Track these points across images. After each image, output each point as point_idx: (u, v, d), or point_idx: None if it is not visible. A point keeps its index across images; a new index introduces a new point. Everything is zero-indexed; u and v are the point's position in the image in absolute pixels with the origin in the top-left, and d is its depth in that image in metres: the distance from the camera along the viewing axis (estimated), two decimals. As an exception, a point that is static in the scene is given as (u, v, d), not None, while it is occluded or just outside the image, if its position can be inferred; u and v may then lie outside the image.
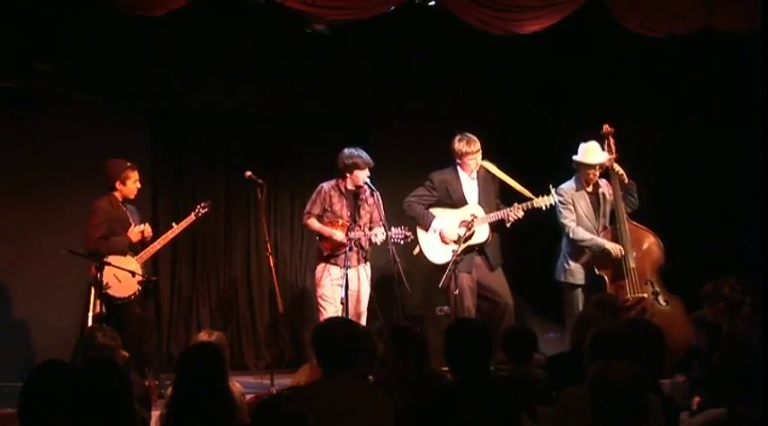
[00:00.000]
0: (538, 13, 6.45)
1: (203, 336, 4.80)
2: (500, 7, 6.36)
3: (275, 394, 4.21)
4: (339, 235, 6.72)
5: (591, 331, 4.10)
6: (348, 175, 6.74)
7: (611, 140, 6.83)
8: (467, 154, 6.81)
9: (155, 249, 6.70)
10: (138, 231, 6.59)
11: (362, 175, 6.70)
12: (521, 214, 6.67)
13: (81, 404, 3.06)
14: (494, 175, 6.95)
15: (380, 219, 6.70)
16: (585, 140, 6.85)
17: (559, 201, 6.78)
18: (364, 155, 6.70)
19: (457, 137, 6.86)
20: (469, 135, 6.84)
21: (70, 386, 3.11)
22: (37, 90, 7.13)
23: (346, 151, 6.73)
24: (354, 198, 6.83)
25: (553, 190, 6.74)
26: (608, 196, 6.91)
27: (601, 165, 6.84)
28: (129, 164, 6.56)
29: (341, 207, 6.82)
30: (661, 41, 6.75)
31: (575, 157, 6.86)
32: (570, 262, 6.87)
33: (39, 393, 3.17)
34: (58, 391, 3.13)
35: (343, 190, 6.82)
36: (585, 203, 6.90)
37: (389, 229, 6.57)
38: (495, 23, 6.42)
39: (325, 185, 6.89)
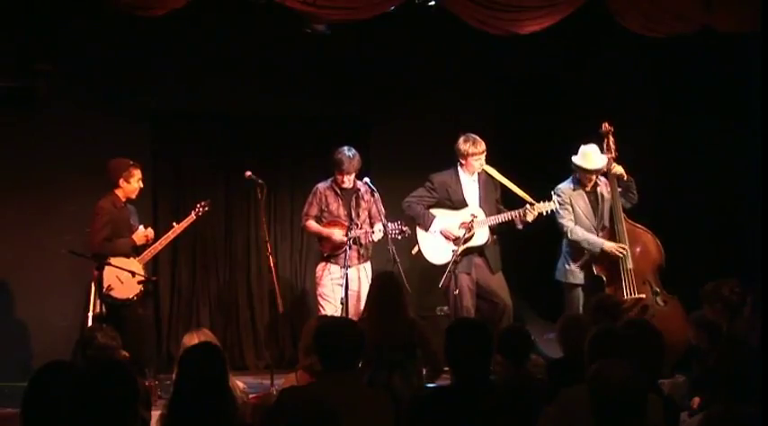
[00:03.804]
0: (538, 13, 6.45)
1: (188, 339, 4.73)
2: (500, 7, 6.36)
3: (300, 387, 4.21)
4: (338, 233, 6.72)
5: (590, 331, 4.11)
6: (335, 173, 6.76)
7: (611, 139, 6.82)
8: (472, 154, 6.80)
9: (156, 250, 6.71)
10: (143, 235, 6.59)
11: (346, 179, 6.71)
12: (531, 216, 6.66)
13: (85, 405, 3.06)
14: (495, 180, 6.95)
15: (380, 216, 6.70)
16: (585, 141, 6.84)
17: (558, 202, 6.77)
18: (353, 156, 6.68)
19: (462, 138, 6.85)
20: (474, 136, 6.83)
21: (74, 386, 3.11)
22: (37, 90, 7.13)
23: (338, 148, 6.75)
24: (350, 196, 6.83)
25: (554, 195, 6.74)
26: (606, 195, 6.91)
27: (599, 171, 6.83)
28: (131, 163, 6.57)
29: (337, 206, 6.83)
30: (661, 41, 6.75)
31: (574, 159, 6.85)
32: (571, 263, 6.87)
33: (43, 393, 3.17)
34: (62, 391, 3.13)
35: (338, 189, 6.83)
36: (584, 203, 6.89)
37: (386, 225, 6.58)
38: (494, 23, 6.42)
39: (321, 186, 6.90)
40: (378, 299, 5.54)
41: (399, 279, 5.81)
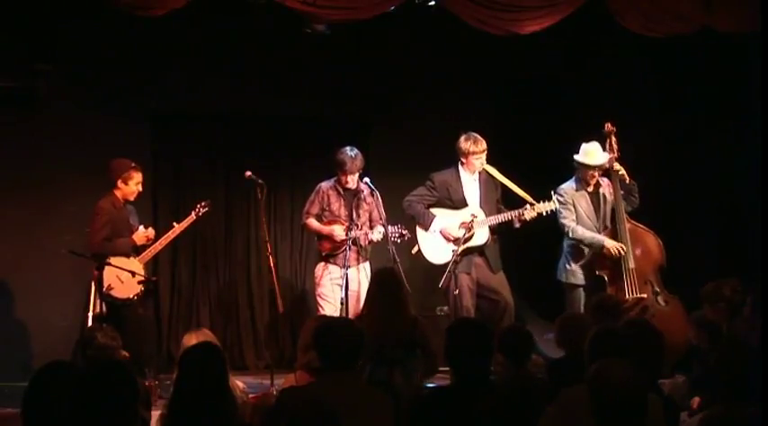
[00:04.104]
0: (538, 13, 6.45)
1: (188, 339, 4.73)
2: (500, 7, 6.36)
3: (300, 387, 4.21)
4: (339, 231, 6.72)
5: (591, 331, 4.10)
6: (338, 173, 6.76)
7: (613, 139, 6.81)
8: (473, 153, 6.80)
9: (156, 250, 6.71)
10: (143, 235, 6.59)
11: (350, 179, 6.71)
12: (530, 216, 6.66)
13: (86, 405, 3.06)
14: (496, 179, 6.95)
15: (380, 219, 6.72)
16: (587, 140, 6.85)
17: (559, 201, 6.77)
18: (356, 156, 6.69)
19: (463, 137, 6.85)
20: (476, 135, 6.84)
21: (76, 386, 3.12)
22: (37, 90, 7.13)
23: (340, 149, 6.76)
24: (352, 197, 6.83)
25: (554, 196, 6.74)
26: (608, 196, 6.91)
27: (601, 167, 6.83)
28: (133, 165, 6.56)
29: (339, 206, 6.83)
30: (661, 41, 6.75)
31: (576, 157, 6.86)
32: (572, 263, 6.86)
33: (43, 393, 3.18)
34: (62, 391, 3.13)
35: (341, 189, 6.83)
36: (586, 203, 6.89)
37: (386, 227, 6.59)
38: (494, 23, 6.42)
39: (324, 185, 6.90)
40: (378, 296, 5.53)
41: (399, 275, 5.80)
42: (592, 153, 6.81)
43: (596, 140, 6.84)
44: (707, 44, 6.86)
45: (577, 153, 6.86)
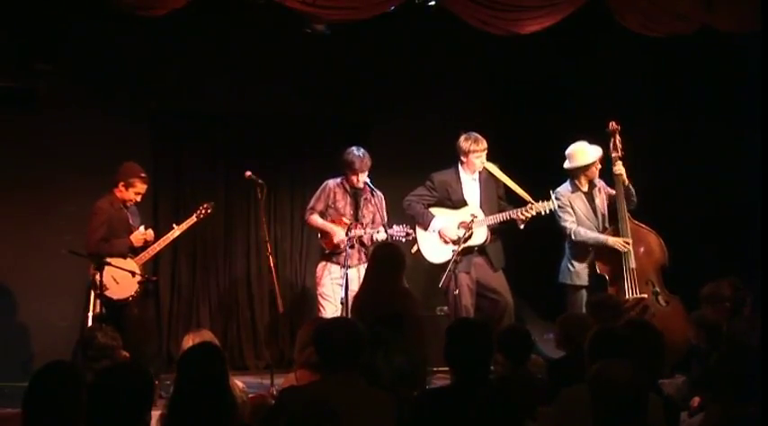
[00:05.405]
0: (538, 13, 6.45)
1: (188, 340, 4.73)
2: (500, 7, 6.36)
3: (300, 387, 4.20)
4: (340, 233, 6.72)
5: (591, 331, 4.11)
6: (348, 173, 6.77)
7: (617, 138, 6.79)
8: (473, 152, 6.80)
9: (154, 251, 6.69)
10: (141, 236, 6.58)
11: (360, 178, 6.72)
12: (530, 214, 6.66)
13: (103, 405, 3.08)
14: (496, 178, 6.94)
15: (383, 221, 6.73)
16: (583, 139, 6.84)
17: (557, 205, 6.76)
18: (364, 155, 6.70)
19: (463, 136, 6.85)
20: (476, 134, 6.84)
21: (95, 385, 3.14)
22: (37, 90, 7.14)
23: (347, 149, 6.77)
24: (358, 196, 6.84)
25: (553, 196, 6.73)
26: (604, 196, 6.90)
27: (600, 158, 6.80)
28: (142, 175, 6.55)
29: (344, 204, 6.84)
30: (661, 41, 6.75)
31: (566, 166, 6.84)
32: (575, 264, 6.84)
33: (43, 393, 3.18)
34: (62, 391, 3.14)
35: (348, 188, 6.84)
36: (583, 204, 6.88)
37: (391, 227, 6.59)
38: (495, 23, 6.43)
39: (331, 182, 6.91)
40: (373, 268, 5.57)
41: (398, 250, 5.79)
42: (581, 153, 6.79)
43: (598, 139, 6.83)
44: (707, 44, 6.85)
45: (566, 161, 6.84)
